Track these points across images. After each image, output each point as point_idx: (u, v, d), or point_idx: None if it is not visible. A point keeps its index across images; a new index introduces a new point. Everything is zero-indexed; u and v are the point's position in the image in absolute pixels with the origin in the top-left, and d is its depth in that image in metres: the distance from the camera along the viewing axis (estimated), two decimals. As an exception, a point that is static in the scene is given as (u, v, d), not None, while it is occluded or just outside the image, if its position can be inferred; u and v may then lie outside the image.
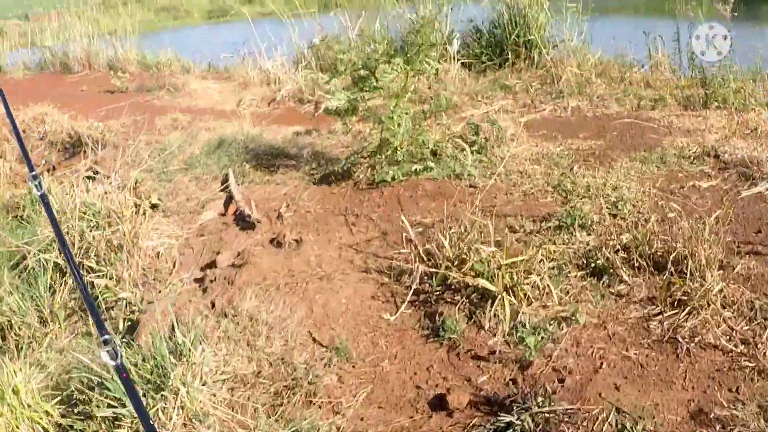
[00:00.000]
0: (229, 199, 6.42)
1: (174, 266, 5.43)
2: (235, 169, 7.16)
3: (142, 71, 13.73)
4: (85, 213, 5.99)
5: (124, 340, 4.69)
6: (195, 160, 7.70)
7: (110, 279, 5.37)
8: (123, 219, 5.69)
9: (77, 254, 5.65)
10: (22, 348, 5.52)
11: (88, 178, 8.31)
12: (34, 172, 3.04)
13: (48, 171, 9.26)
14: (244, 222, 5.82)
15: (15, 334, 5.69)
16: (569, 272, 4.47)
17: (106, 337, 1.92)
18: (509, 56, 10.22)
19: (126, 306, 5.19)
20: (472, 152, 6.45)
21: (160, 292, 5.14)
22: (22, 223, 7.64)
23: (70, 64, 14.96)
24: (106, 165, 8.32)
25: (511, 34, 10.10)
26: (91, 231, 5.71)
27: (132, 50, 14.50)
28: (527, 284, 4.14)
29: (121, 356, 1.95)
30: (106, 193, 6.20)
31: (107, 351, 1.91)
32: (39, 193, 2.84)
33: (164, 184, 7.18)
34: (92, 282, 5.40)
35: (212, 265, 5.21)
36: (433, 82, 9.39)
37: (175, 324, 3.99)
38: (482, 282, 4.10)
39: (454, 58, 10.46)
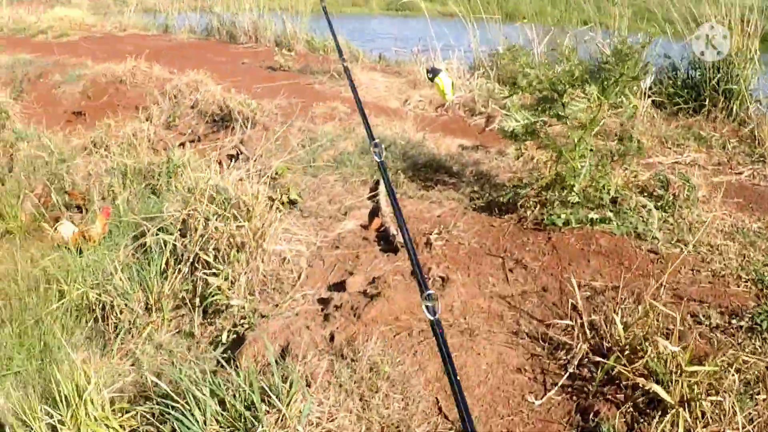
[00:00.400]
0: (376, 211, 5.93)
1: (299, 278, 4.99)
2: (388, 176, 6.67)
3: (309, 52, 13.58)
4: (214, 198, 5.66)
5: (224, 356, 4.28)
6: (346, 157, 7.27)
7: (225, 280, 4.99)
8: (253, 214, 5.29)
9: (197, 243, 5.32)
10: (120, 333, 5.25)
11: (230, 156, 8.08)
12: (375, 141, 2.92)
13: (192, 141, 9.13)
14: (386, 242, 5.32)
15: (116, 317, 5.42)
16: (758, 393, 3.69)
17: (430, 292, 2.12)
18: (705, 103, 9.34)
19: (237, 313, 4.80)
20: (657, 209, 5.71)
21: (276, 306, 4.70)
22: (154, 193, 7.47)
23: (236, 34, 15.04)
24: (252, 146, 8.05)
25: (710, 79, 9.22)
26: (216, 220, 5.36)
27: (302, 29, 14.38)
28: (708, 401, 3.41)
29: (438, 312, 2.14)
30: (240, 179, 5.85)
31: (426, 306, 2.11)
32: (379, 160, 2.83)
33: (308, 180, 6.79)
34: (205, 280, 5.04)
35: (341, 286, 4.73)
36: (626, 119, 8.62)
37: (274, 366, 3.50)
38: (656, 388, 3.40)
39: (645, 94, 9.65)
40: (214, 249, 5.22)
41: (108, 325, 5.44)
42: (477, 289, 4.57)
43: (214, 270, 5.05)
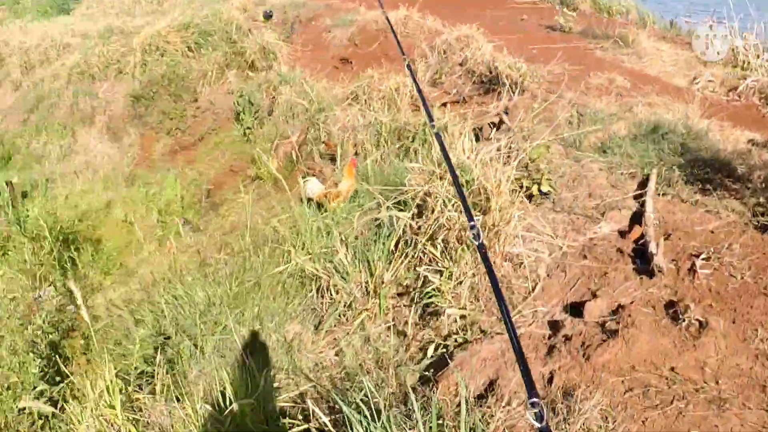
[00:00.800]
0: (638, 216, 5.14)
1: (533, 290, 4.41)
2: (660, 171, 5.80)
3: (593, 13, 12.69)
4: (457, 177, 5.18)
5: (426, 373, 3.83)
6: (616, 143, 6.46)
7: (449, 279, 4.50)
8: (491, 205, 4.74)
9: (426, 231, 4.87)
10: (334, 313, 4.95)
11: (492, 125, 7.57)
12: (472, 222, 2.79)
13: (456, 102, 8.75)
14: (643, 259, 4.56)
15: (330, 297, 5.13)
16: None
17: (534, 400, 1.94)
18: None
19: (453, 322, 4.30)
20: None
21: (500, 322, 4.15)
22: (406, 156, 7.12)
23: (521, -14, 14.40)
24: (515, 116, 7.47)
25: None
26: (452, 207, 4.86)
27: (589, -13, 13.48)
28: None
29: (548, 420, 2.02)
30: (490, 159, 5.32)
31: (533, 412, 1.92)
32: (476, 243, 2.65)
33: (568, 165, 6.10)
34: (425, 275, 4.58)
35: (579, 309, 4.09)
36: None
37: (464, 416, 2.97)
38: None
39: None
40: (442, 241, 4.75)
41: (323, 302, 5.18)
42: (740, 343, 3.73)
43: (438, 267, 4.59)
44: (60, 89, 12.80)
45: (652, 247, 4.48)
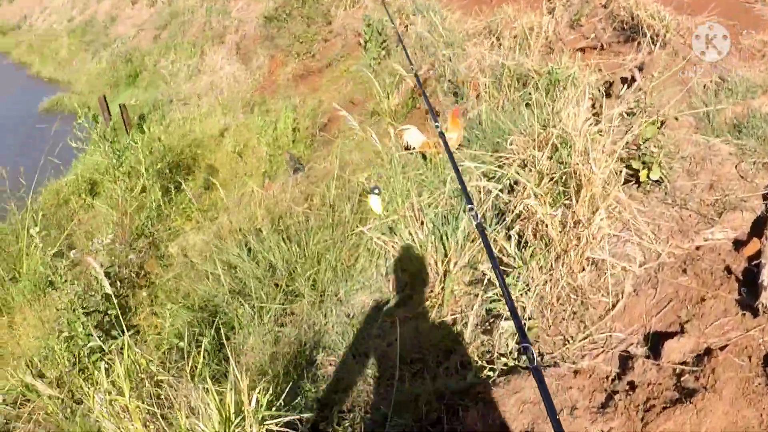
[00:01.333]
0: (763, 222, 4.16)
1: (612, 308, 3.64)
2: (800, 163, 4.75)
3: (766, -41, 11.20)
4: (556, 151, 4.43)
5: (461, 402, 3.20)
6: (754, 122, 5.39)
7: (515, 280, 3.78)
8: (581, 197, 3.94)
9: (512, 210, 4.16)
10: (400, 293, 4.38)
11: (624, 80, 6.71)
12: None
13: (593, 48, 7.89)
14: (750, 287, 3.62)
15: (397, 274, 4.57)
16: None
17: (526, 344, 2.04)
18: None
19: (511, 336, 3.61)
20: None
21: (565, 344, 3.46)
22: (527, 107, 6.37)
23: None
24: (651, 72, 6.55)
25: None
26: (540, 188, 4.14)
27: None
28: None
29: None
30: (599, 132, 4.52)
31: (526, 356, 2.04)
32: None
33: (693, 144, 5.14)
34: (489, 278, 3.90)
35: (658, 344, 3.32)
36: None
37: None
38: None
39: None
40: (517, 235, 4.04)
41: (388, 279, 4.63)
42: None
43: (507, 267, 3.88)
44: (194, 6, 12.54)
45: (764, 275, 3.56)
